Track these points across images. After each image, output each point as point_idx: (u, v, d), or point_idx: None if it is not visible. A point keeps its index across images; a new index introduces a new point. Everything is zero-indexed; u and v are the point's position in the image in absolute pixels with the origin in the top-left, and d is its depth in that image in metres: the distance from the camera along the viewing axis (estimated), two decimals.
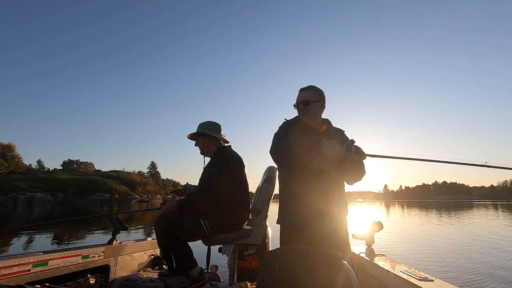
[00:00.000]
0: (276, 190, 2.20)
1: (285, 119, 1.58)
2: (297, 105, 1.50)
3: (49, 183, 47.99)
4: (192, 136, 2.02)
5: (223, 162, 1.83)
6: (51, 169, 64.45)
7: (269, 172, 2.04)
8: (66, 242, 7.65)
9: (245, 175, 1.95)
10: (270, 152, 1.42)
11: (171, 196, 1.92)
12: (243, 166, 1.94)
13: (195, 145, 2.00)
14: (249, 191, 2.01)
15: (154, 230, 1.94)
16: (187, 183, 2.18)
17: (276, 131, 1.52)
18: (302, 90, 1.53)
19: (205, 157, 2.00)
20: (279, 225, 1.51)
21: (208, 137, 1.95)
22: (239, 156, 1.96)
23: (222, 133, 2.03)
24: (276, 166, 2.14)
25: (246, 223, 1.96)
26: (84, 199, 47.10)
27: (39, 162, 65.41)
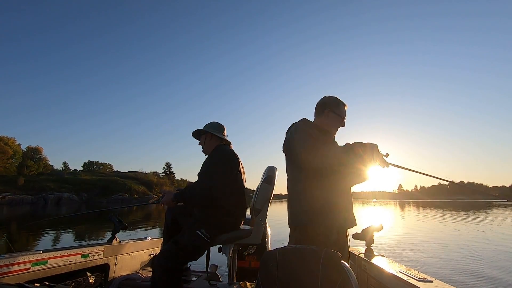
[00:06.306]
0: (276, 191, 2.17)
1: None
2: (341, 119, 1.54)
3: (74, 184, 50.65)
4: (196, 135, 2.07)
5: (215, 157, 1.85)
6: (71, 170, 68.00)
7: (269, 172, 2.01)
8: (86, 239, 8.05)
9: (240, 172, 1.92)
10: (308, 157, 1.32)
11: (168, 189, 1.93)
12: (237, 161, 1.92)
13: (199, 144, 2.05)
14: (248, 188, 2.00)
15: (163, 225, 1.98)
16: (167, 190, 2.21)
17: (297, 128, 1.45)
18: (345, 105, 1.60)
19: (207, 155, 2.02)
20: (291, 226, 1.45)
21: (209, 135, 1.98)
22: (233, 152, 1.94)
23: (225, 133, 2.04)
24: (275, 166, 2.11)
25: (242, 222, 1.94)
26: (106, 199, 49.33)
27: (64, 164, 69.49)
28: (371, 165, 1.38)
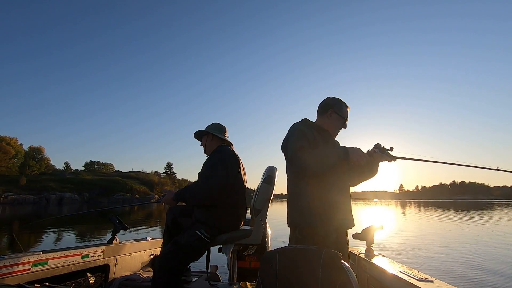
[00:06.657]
0: (277, 191, 2.16)
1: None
2: (344, 120, 1.55)
3: (75, 183, 50.77)
4: (198, 136, 2.08)
5: (216, 157, 1.85)
6: (73, 170, 68.23)
7: (269, 172, 2.00)
8: (86, 239, 8.07)
9: (240, 172, 1.91)
10: (300, 161, 1.31)
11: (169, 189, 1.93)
12: (238, 162, 1.91)
13: (201, 144, 2.07)
14: (248, 188, 2.00)
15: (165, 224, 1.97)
16: (168, 189, 2.22)
17: (294, 128, 1.47)
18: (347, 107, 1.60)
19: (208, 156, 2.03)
20: (291, 226, 1.45)
21: (210, 136, 2.00)
22: (233, 152, 1.94)
23: (226, 134, 2.05)
24: (275, 167, 2.11)
25: (242, 222, 1.93)
26: (108, 198, 49.43)
27: (66, 163, 69.91)
28: (376, 161, 1.38)
